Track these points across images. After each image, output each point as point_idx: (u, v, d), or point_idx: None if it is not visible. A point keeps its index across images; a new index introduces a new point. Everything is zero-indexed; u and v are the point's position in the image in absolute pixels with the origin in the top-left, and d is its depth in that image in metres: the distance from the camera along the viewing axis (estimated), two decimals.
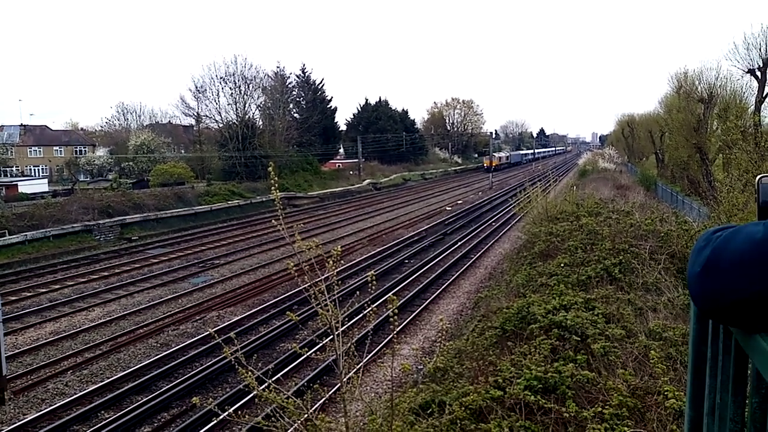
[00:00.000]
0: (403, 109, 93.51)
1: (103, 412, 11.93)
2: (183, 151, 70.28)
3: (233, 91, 59.11)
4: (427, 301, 19.29)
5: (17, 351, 15.63)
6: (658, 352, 7.60)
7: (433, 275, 22.70)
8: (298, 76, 71.82)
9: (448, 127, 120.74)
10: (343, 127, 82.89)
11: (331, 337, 6.71)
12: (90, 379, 13.60)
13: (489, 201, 50.67)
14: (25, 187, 46.64)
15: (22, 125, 78.85)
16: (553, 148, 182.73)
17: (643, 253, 12.88)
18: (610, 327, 8.81)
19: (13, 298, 20.76)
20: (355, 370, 6.99)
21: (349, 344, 6.97)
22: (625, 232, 14.55)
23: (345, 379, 6.81)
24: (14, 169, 64.36)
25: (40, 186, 49.45)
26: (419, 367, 11.82)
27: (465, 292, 20.75)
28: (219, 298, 20.91)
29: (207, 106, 60.50)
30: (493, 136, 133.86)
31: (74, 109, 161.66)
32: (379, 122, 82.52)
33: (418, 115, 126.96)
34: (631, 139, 67.41)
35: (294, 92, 71.19)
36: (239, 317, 17.98)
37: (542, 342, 8.34)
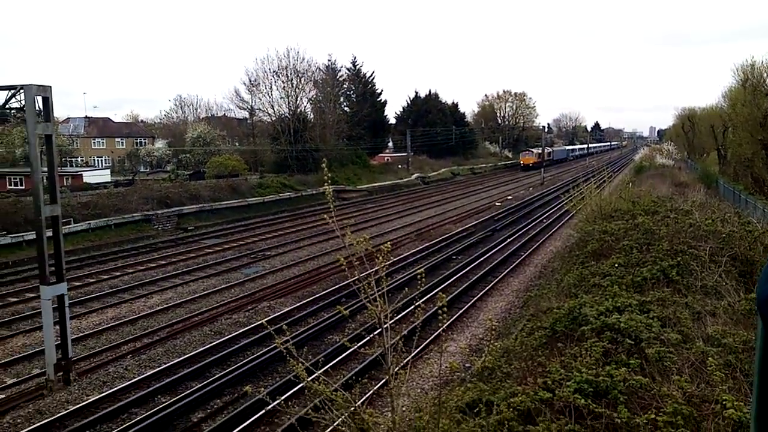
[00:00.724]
0: (453, 102, 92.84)
1: (159, 396, 12.46)
2: (237, 144, 71.98)
3: (285, 85, 60.09)
4: (475, 298, 19.16)
5: (81, 335, 16.49)
6: (716, 359, 7.33)
7: (482, 272, 22.51)
8: (348, 70, 72.33)
9: (499, 121, 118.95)
10: (392, 121, 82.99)
11: (379, 331, 6.79)
12: (148, 364, 14.21)
13: (540, 197, 49.72)
14: (89, 177, 48.90)
15: (86, 117, 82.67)
16: (608, 143, 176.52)
17: (702, 254, 12.40)
18: (666, 331, 8.54)
19: (78, 284, 21.87)
20: (402, 365, 7.05)
21: (397, 338, 7.04)
22: (684, 232, 14.03)
23: (393, 373, 6.89)
24: (79, 159, 67.52)
25: (103, 176, 51.72)
26: (467, 365, 11.79)
27: (514, 290, 20.50)
28: (270, 289, 21.41)
29: (260, 99, 61.76)
30: (546, 129, 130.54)
31: (135, 101, 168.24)
32: (429, 116, 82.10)
33: (468, 108, 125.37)
34: (691, 135, 64.69)
35: (345, 86, 71.71)
36: (289, 308, 18.36)
37: (594, 344, 8.17)
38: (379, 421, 8.12)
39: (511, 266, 23.76)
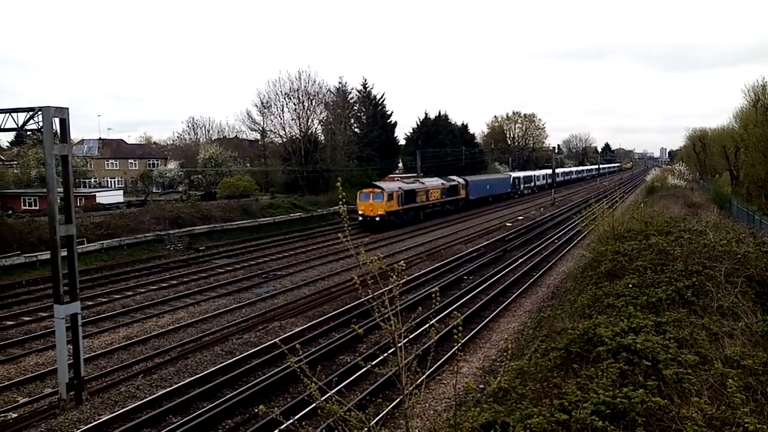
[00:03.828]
0: (462, 123, 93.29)
1: (171, 416, 12.42)
2: (248, 165, 72.59)
3: (297, 107, 60.80)
4: (487, 318, 19.02)
5: (93, 354, 16.52)
6: (736, 380, 7.21)
7: (493, 292, 22.37)
8: (359, 91, 73.09)
9: (509, 142, 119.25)
10: (402, 142, 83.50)
11: (393, 350, 6.75)
12: (159, 384, 14.19)
13: (551, 217, 49.55)
14: (102, 197, 49.42)
15: (100, 139, 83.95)
16: (616, 165, 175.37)
17: (718, 275, 12.26)
18: (683, 352, 8.43)
19: (90, 303, 21.97)
20: (416, 384, 6.99)
21: (411, 358, 6.99)
22: (699, 252, 13.90)
23: (407, 393, 6.83)
24: (92, 180, 68.32)
25: (116, 197, 52.26)
26: (480, 386, 11.67)
27: (526, 310, 20.33)
28: (281, 309, 21.40)
29: (272, 121, 62.50)
30: (556, 150, 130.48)
31: (148, 123, 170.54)
32: (439, 136, 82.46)
33: (478, 129, 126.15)
34: (703, 155, 64.47)
35: (355, 107, 72.40)
36: (300, 328, 18.31)
37: (610, 366, 8.08)
38: None
39: (524, 287, 23.59)
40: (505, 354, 11.14)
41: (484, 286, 23.49)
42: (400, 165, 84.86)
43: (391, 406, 11.46)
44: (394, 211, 42.99)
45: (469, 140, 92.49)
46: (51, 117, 13.30)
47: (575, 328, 10.16)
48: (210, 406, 12.64)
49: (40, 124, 13.43)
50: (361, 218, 41.97)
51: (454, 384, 6.84)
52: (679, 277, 12.08)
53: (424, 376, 7.07)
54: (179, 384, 13.94)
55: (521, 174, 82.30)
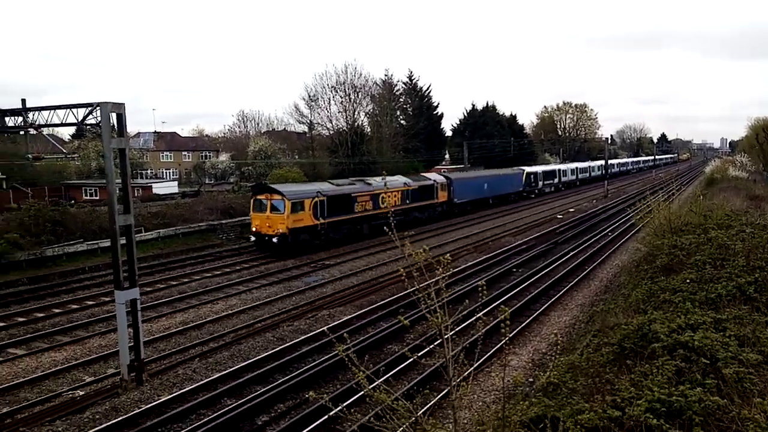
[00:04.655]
0: (511, 114, 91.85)
1: (226, 398, 12.87)
2: (297, 157, 73.69)
3: (343, 100, 61.25)
4: (537, 312, 18.79)
5: (152, 337, 17.25)
6: None
7: (543, 285, 22.05)
8: (405, 83, 72.94)
9: (559, 132, 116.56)
10: (448, 133, 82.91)
11: (440, 342, 6.79)
12: (215, 367, 14.70)
13: (604, 210, 48.27)
14: (158, 188, 51.25)
15: (155, 132, 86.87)
16: (674, 155, 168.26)
17: None
18: (744, 351, 8.13)
19: (149, 289, 22.90)
20: (463, 376, 7.01)
21: (458, 350, 7.02)
22: (762, 247, 13.32)
23: (455, 385, 6.86)
24: (149, 171, 70.83)
25: (171, 188, 54.06)
26: (530, 379, 11.58)
27: (578, 304, 19.97)
28: (329, 298, 21.75)
29: (319, 114, 63.19)
30: (609, 141, 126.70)
31: (201, 116, 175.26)
32: (486, 127, 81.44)
33: (527, 120, 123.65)
34: (766, 146, 61.23)
35: (401, 99, 72.31)
36: (348, 317, 18.58)
37: (666, 363, 7.88)
38: None
39: (575, 280, 23.15)
40: (555, 348, 10.99)
41: (534, 279, 23.18)
42: (447, 157, 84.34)
43: (439, 397, 11.52)
44: (307, 227, 29.90)
45: (517, 131, 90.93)
46: (108, 112, 13.88)
47: (629, 323, 9.93)
48: (263, 390, 13.04)
49: (99, 119, 14.04)
50: (254, 237, 30.03)
51: (502, 377, 6.82)
52: (740, 273, 11.62)
53: (472, 368, 7.10)
54: (233, 368, 14.41)
55: (538, 169, 67.24)
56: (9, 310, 20.53)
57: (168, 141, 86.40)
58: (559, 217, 44.84)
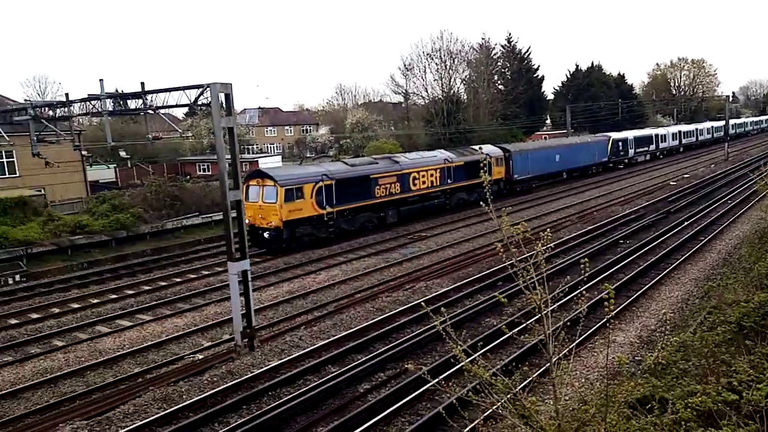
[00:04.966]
0: (618, 74, 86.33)
1: (330, 366, 13.51)
2: (392, 128, 74.16)
3: (439, 67, 60.50)
4: (646, 286, 17.83)
5: (262, 306, 18.37)
6: None
7: (653, 258, 20.84)
8: (503, 47, 70.60)
9: (673, 91, 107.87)
10: (550, 97, 79.47)
11: (538, 317, 6.66)
12: (319, 336, 15.44)
13: (723, 175, 44.42)
14: (263, 163, 53.76)
15: (260, 108, 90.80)
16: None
17: None
18: None
19: (258, 259, 24.26)
20: (563, 353, 6.86)
21: (558, 326, 6.86)
22: None
23: (555, 362, 6.74)
24: (254, 147, 74.43)
25: (275, 162, 56.50)
26: (636, 358, 11.11)
27: (692, 278, 18.70)
28: (426, 270, 21.95)
29: (414, 83, 62.97)
30: (730, 99, 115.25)
31: (301, 91, 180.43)
32: (591, 89, 77.17)
33: (637, 79, 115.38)
34: None
35: (499, 63, 70.13)
36: (445, 289, 18.69)
37: None
38: (541, 409, 7.99)
39: (689, 252, 21.64)
40: (665, 325, 10.40)
41: (643, 251, 21.97)
42: (548, 122, 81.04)
43: (538, 373, 11.34)
44: (309, 218, 25.69)
45: (626, 92, 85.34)
46: (217, 92, 14.65)
47: (750, 300, 9.22)
48: (363, 359, 13.54)
49: (209, 99, 14.88)
50: (248, 229, 23.18)
51: (606, 354, 6.59)
52: None
53: (572, 344, 6.92)
54: (336, 336, 15.06)
55: (629, 134, 56.97)
56: (136, 279, 22.69)
57: (271, 116, 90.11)
58: (672, 183, 41.85)
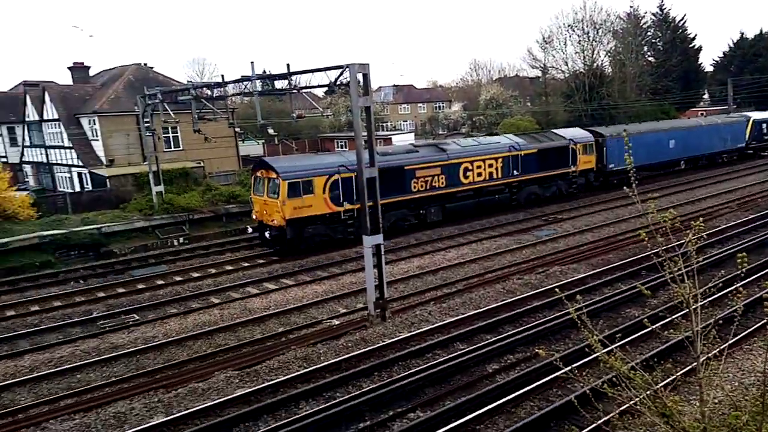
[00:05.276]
0: None
1: (458, 343, 13.71)
2: (529, 104, 71.60)
3: (581, 39, 57.02)
4: None
5: (393, 279, 18.98)
6: None
7: None
8: (654, 14, 64.82)
9: None
10: (708, 69, 71.64)
11: (685, 312, 6.22)
12: (447, 312, 15.68)
13: None
14: (397, 140, 54.74)
15: (394, 86, 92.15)
16: None
17: None
18: None
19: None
20: (713, 353, 6.39)
21: (708, 323, 6.38)
22: None
23: (703, 361, 6.30)
24: (389, 124, 75.98)
25: (408, 139, 57.28)
26: None
27: None
28: (562, 253, 21.21)
29: (554, 56, 60.04)
30: None
31: (434, 67, 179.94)
32: (759, 60, 68.14)
33: None
34: None
35: (649, 33, 64.53)
36: (582, 275, 17.97)
37: None
38: (685, 409, 7.53)
39: None
40: None
41: None
42: (706, 96, 73.25)
43: (682, 371, 10.63)
44: (321, 216, 22.72)
45: None
46: (355, 73, 15.19)
47: None
48: (492, 339, 13.55)
49: (348, 79, 15.46)
50: (251, 229, 25.29)
51: (766, 358, 6.03)
52: None
53: (725, 344, 6.40)
54: (465, 315, 15.20)
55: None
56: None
57: (405, 93, 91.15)
58: None
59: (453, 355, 12.80)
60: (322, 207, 22.46)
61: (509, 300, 16.16)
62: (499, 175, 27.73)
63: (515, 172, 28.21)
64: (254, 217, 24.05)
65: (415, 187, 24.97)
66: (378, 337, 14.30)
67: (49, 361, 14.25)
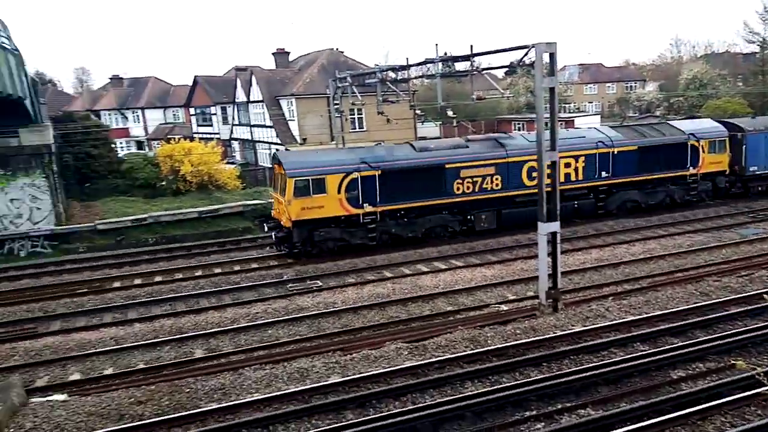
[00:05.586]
0: None
1: (638, 343, 12.69)
2: (740, 84, 62.62)
3: None
4: None
5: (567, 269, 18.12)
6: None
7: None
8: None
9: None
10: None
11: None
12: (628, 310, 14.56)
13: None
14: (580, 123, 51.67)
15: (580, 65, 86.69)
16: None
17: None
18: None
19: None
20: None
21: None
22: None
23: None
24: (572, 105, 71.90)
25: (593, 122, 53.78)
26: None
27: None
28: None
29: None
30: None
31: (630, 45, 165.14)
32: None
33: None
34: None
35: None
36: None
37: None
38: None
39: None
40: None
41: None
42: None
43: None
44: (335, 219, 20.64)
45: None
46: (541, 52, 14.52)
47: None
48: (680, 344, 12.31)
49: (532, 59, 14.87)
50: (267, 227, 22.01)
51: None
52: None
53: None
54: (648, 314, 13.99)
55: None
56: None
57: (592, 73, 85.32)
58: None
59: (632, 355, 11.90)
60: (336, 208, 20.39)
61: (702, 303, 14.50)
62: (580, 177, 23.12)
63: (603, 174, 23.45)
64: (273, 212, 22.65)
65: (458, 189, 21.67)
66: (548, 327, 13.82)
67: (247, 315, 16.23)
